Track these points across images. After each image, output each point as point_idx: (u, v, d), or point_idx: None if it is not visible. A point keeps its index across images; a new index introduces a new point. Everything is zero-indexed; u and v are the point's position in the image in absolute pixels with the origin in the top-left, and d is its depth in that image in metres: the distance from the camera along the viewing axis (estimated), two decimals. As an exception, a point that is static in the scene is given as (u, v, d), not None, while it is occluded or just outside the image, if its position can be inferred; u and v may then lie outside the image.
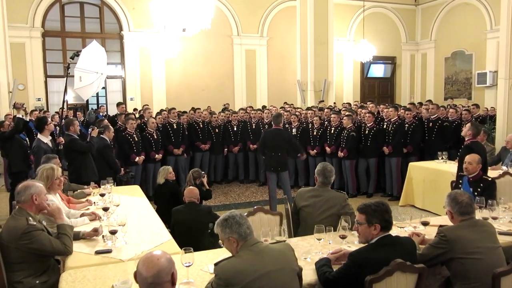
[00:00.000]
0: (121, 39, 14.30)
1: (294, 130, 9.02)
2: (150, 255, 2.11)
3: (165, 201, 5.64)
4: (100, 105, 14.40)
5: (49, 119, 6.44)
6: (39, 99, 13.17)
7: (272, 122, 7.59)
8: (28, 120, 7.48)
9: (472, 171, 4.64)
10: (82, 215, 4.19)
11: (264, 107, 12.01)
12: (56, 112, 11.12)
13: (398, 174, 8.04)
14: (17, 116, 6.60)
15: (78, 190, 5.32)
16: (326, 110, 9.40)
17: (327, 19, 12.81)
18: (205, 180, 6.00)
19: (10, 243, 3.06)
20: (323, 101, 12.11)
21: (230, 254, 2.63)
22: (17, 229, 3.05)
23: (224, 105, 13.39)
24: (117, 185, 6.23)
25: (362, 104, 11.86)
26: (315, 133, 8.86)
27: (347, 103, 12.35)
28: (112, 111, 13.04)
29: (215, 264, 2.53)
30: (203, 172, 6.06)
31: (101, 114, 12.44)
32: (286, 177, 7.32)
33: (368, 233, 2.84)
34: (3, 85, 10.41)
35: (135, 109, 12.31)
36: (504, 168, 6.44)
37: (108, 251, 3.31)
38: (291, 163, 9.12)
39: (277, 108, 10.89)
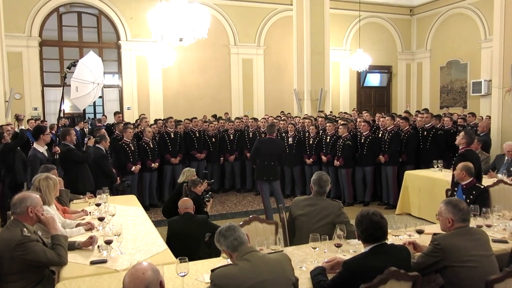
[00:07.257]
0: (119, 49, 14.34)
1: (290, 139, 9.04)
2: (134, 270, 2.08)
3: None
4: (101, 114, 14.34)
5: (47, 130, 6.41)
6: (35, 109, 13.15)
7: (265, 132, 7.58)
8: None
9: (458, 177, 4.69)
10: (78, 225, 4.18)
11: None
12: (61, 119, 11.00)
13: (394, 183, 8.05)
14: (21, 127, 6.55)
15: (74, 200, 5.31)
16: (320, 119, 9.39)
17: (324, 28, 12.89)
18: (209, 205, 5.98)
19: (4, 254, 3.04)
20: (322, 111, 12.14)
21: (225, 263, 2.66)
22: (11, 240, 3.04)
23: (225, 114, 13.48)
24: (113, 195, 6.23)
25: (355, 112, 11.87)
26: (311, 141, 8.87)
27: (344, 113, 12.38)
28: (109, 120, 13.03)
29: (212, 271, 2.57)
30: (207, 201, 6.01)
31: (104, 124, 12.42)
32: (278, 187, 7.26)
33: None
34: (-1, 95, 10.40)
35: (136, 121, 12.31)
36: (499, 176, 6.47)
37: (103, 261, 3.29)
38: (288, 172, 9.16)
39: (273, 117, 10.91)
